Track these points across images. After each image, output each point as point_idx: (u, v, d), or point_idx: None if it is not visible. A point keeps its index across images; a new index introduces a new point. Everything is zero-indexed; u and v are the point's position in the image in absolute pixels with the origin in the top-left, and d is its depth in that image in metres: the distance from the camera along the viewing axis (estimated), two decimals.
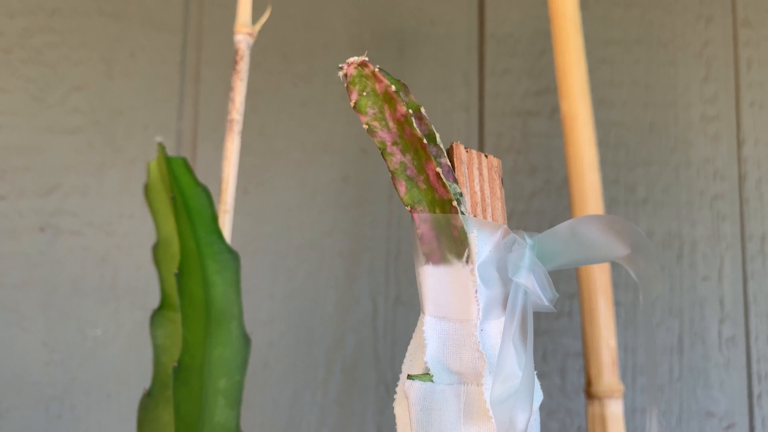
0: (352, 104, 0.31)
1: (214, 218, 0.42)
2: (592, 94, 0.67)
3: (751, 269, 0.66)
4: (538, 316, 0.63)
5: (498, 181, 0.30)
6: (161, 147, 0.43)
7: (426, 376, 0.30)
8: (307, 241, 0.61)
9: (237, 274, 0.43)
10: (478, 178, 0.30)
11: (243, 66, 0.44)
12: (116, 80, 0.65)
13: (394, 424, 0.61)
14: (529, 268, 0.29)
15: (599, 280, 0.43)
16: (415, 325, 0.63)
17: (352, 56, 0.31)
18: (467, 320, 0.29)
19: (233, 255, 0.43)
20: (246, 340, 0.42)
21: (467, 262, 0.29)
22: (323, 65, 0.66)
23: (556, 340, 0.62)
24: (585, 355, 0.42)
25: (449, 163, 0.30)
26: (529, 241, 0.30)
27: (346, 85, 0.31)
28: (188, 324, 0.41)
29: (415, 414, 0.29)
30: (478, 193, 0.29)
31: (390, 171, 0.31)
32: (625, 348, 0.63)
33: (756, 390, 0.64)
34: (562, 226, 0.30)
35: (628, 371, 0.64)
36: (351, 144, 0.63)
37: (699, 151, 0.67)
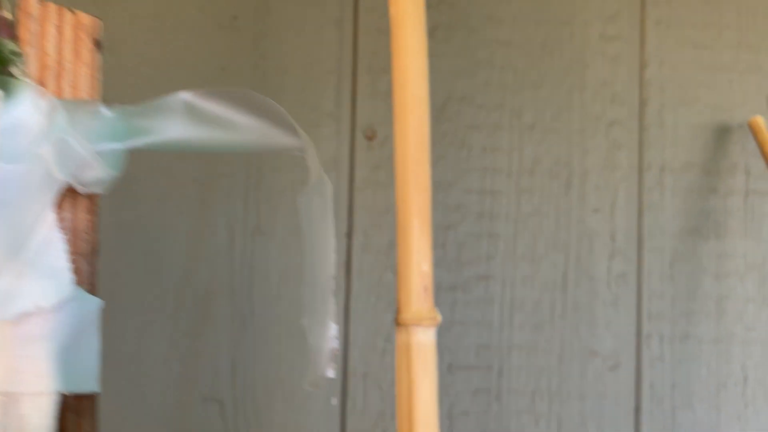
0: None
1: None
2: (478, 9, 0.61)
3: (647, 201, 0.62)
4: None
5: (90, 44, 0.26)
6: None
7: None
8: (157, 165, 0.56)
9: None
10: (55, 38, 0.25)
11: None
12: None
13: (251, 358, 0.58)
14: (55, 138, 0.24)
15: (414, 200, 0.39)
16: (276, 256, 0.58)
17: None
18: None
19: None
20: None
21: None
22: None
23: None
24: (397, 280, 0.38)
25: (8, 17, 0.25)
26: (107, 112, 0.25)
27: None
28: None
29: None
30: (52, 54, 0.25)
31: None
32: (503, 283, 0.59)
33: (645, 329, 0.61)
34: (174, 98, 0.26)
35: (503, 307, 0.60)
36: (207, 59, 0.57)
37: (596, 73, 0.62)
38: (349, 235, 0.59)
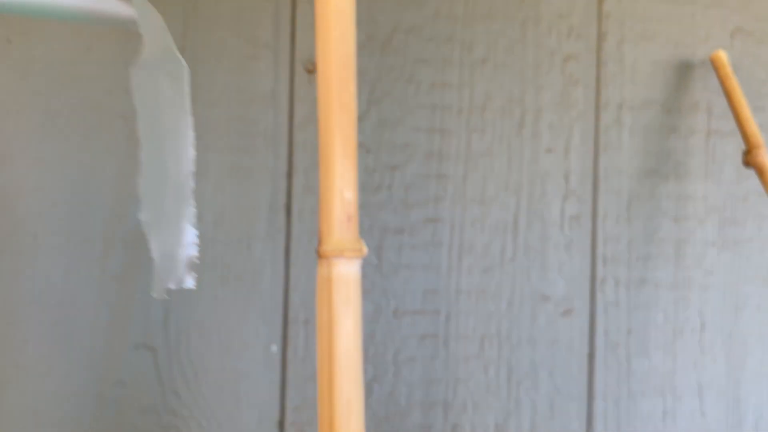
0: None
1: None
2: None
3: (604, 141, 0.59)
4: None
5: None
6: None
7: None
8: (83, 100, 0.53)
9: None
10: None
11: None
12: None
13: (185, 303, 0.55)
14: None
15: (337, 120, 0.35)
16: (210, 197, 0.55)
17: None
18: None
19: None
20: None
21: None
22: None
23: (373, 214, 0.55)
24: (319, 210, 0.35)
25: None
26: None
27: None
28: None
29: None
30: None
31: None
32: (451, 225, 0.56)
33: (600, 273, 0.58)
34: None
35: (452, 250, 0.57)
36: None
37: (552, 4, 0.59)
38: (289, 174, 0.56)
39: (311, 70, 0.57)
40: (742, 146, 0.59)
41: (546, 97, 0.60)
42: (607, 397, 0.60)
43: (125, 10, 0.31)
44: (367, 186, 0.57)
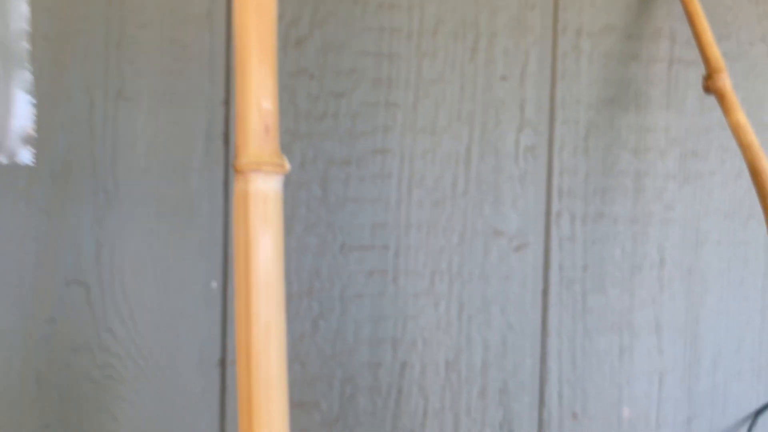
0: None
1: None
2: None
3: (561, 68, 0.56)
4: (296, 119, 0.53)
5: None
6: None
7: None
8: None
9: None
10: None
11: None
12: None
13: (118, 237, 0.52)
14: None
15: (254, 24, 0.32)
16: (142, 125, 0.52)
17: None
18: None
19: None
20: None
21: None
22: None
23: (317, 144, 0.52)
24: (236, 121, 0.33)
25: None
26: None
27: None
28: None
29: None
30: None
31: None
32: (401, 157, 0.54)
33: (555, 207, 0.56)
34: None
35: (401, 183, 0.55)
36: None
37: None
38: (227, 102, 0.53)
39: None
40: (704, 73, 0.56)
41: (501, 20, 0.57)
42: (561, 333, 0.59)
43: None
44: (311, 114, 0.54)
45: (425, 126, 0.56)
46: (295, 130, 0.54)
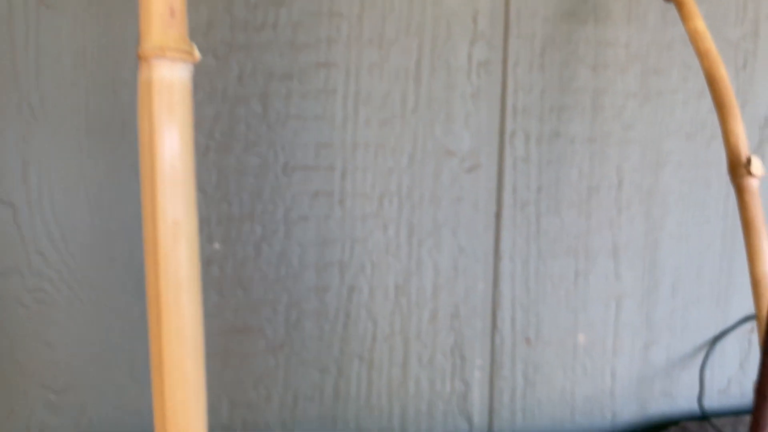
0: None
1: None
2: None
3: None
4: (232, 29, 0.50)
5: None
6: None
7: None
8: None
9: None
10: None
11: None
12: None
13: (46, 155, 0.50)
14: None
15: None
16: (68, 34, 0.49)
17: None
18: None
19: None
20: None
21: None
22: None
23: (256, 57, 0.50)
24: (139, 4, 0.30)
25: None
26: None
27: None
28: None
29: None
30: None
31: None
32: (346, 71, 0.51)
33: (509, 126, 0.54)
34: None
35: (347, 99, 0.52)
36: None
37: None
38: None
39: None
40: None
41: None
42: (514, 257, 0.57)
43: None
44: (248, 24, 0.51)
45: (372, 38, 0.53)
46: (231, 41, 0.51)
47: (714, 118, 0.60)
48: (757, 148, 0.61)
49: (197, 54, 0.32)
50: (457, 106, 0.55)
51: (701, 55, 0.46)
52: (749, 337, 0.62)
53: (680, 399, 0.62)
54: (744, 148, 0.45)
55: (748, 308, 0.62)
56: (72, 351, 0.52)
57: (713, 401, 0.63)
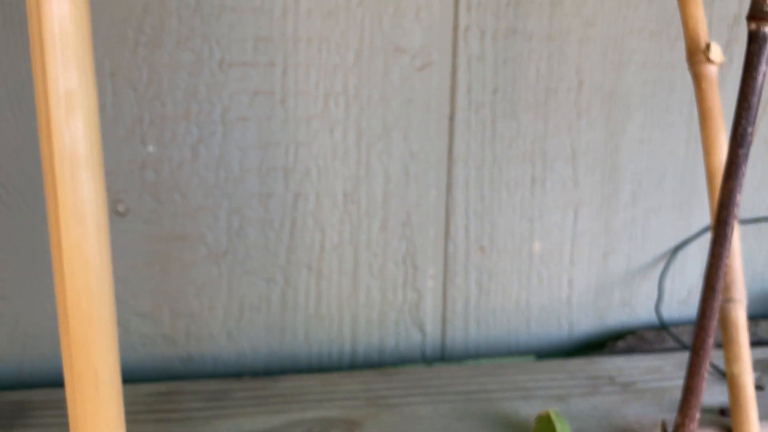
0: None
1: None
2: None
3: None
4: None
5: None
6: None
7: None
8: None
9: None
10: None
11: None
12: None
13: None
14: None
15: None
16: None
17: None
18: None
19: None
20: None
21: None
22: None
23: None
24: None
25: None
26: None
27: None
28: None
29: None
30: None
31: None
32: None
33: (463, 21, 0.51)
34: None
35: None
36: None
37: None
38: None
39: None
40: None
41: None
42: (468, 162, 0.55)
43: None
44: None
45: None
46: None
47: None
48: (725, 47, 0.58)
49: None
50: None
51: None
52: None
53: (640, 309, 0.61)
54: (704, 33, 0.42)
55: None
56: (4, 260, 0.50)
57: (673, 311, 0.62)
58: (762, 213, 0.62)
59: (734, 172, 0.36)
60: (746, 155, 0.36)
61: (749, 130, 0.36)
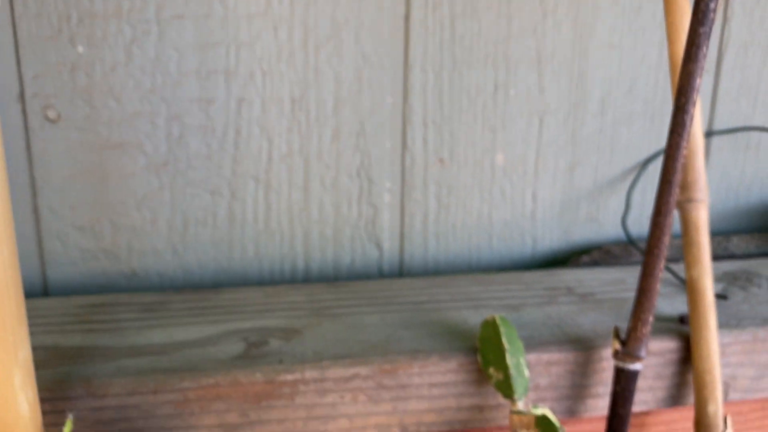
0: None
1: None
2: None
3: None
4: None
5: None
6: None
7: None
8: None
9: None
10: None
11: None
12: None
13: None
14: None
15: None
16: None
17: None
18: None
19: None
20: None
21: None
22: None
23: None
24: None
25: None
26: None
27: None
28: None
29: None
30: None
31: None
32: None
33: None
34: None
35: None
36: None
37: None
38: None
39: None
40: None
41: None
42: (426, 67, 0.52)
43: None
44: None
45: None
46: None
47: None
48: None
49: None
50: None
51: None
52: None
53: (607, 224, 0.59)
54: None
55: None
56: None
57: (643, 227, 0.59)
58: (738, 123, 0.59)
59: (694, 54, 0.33)
60: (708, 34, 0.33)
61: (711, 5, 0.32)
